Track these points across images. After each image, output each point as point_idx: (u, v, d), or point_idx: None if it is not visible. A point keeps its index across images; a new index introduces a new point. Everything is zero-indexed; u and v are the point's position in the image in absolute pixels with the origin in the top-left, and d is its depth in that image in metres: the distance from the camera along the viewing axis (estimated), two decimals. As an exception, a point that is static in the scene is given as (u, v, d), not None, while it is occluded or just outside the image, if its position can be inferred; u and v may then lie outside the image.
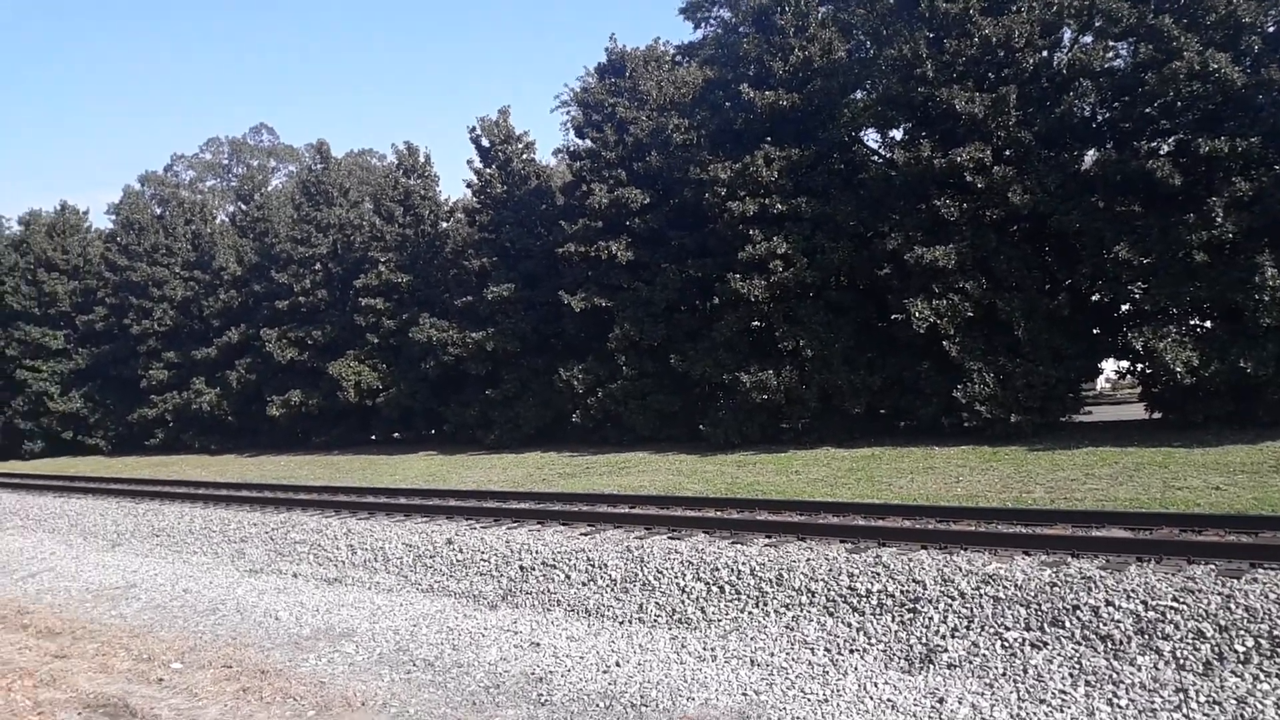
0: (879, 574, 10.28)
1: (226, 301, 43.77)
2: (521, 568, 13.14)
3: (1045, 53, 23.70)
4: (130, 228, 49.21)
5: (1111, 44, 22.92)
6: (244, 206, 46.83)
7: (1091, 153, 23.11)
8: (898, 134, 26.56)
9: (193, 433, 44.64)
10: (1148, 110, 21.44)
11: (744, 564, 11.33)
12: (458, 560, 13.96)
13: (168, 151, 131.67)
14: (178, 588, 14.91)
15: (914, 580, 9.96)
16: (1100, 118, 23.49)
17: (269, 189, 54.55)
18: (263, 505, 19.87)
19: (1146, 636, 8.17)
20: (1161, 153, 21.35)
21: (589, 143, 31.44)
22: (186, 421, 44.71)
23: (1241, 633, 7.92)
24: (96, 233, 55.46)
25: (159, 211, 51.69)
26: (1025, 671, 8.28)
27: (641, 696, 9.05)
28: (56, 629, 12.98)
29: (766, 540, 12.27)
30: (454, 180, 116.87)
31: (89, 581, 15.96)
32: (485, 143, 35.23)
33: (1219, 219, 19.26)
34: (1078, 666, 8.14)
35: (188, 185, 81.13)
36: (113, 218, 53.79)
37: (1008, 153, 22.99)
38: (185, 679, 10.53)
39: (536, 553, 13.34)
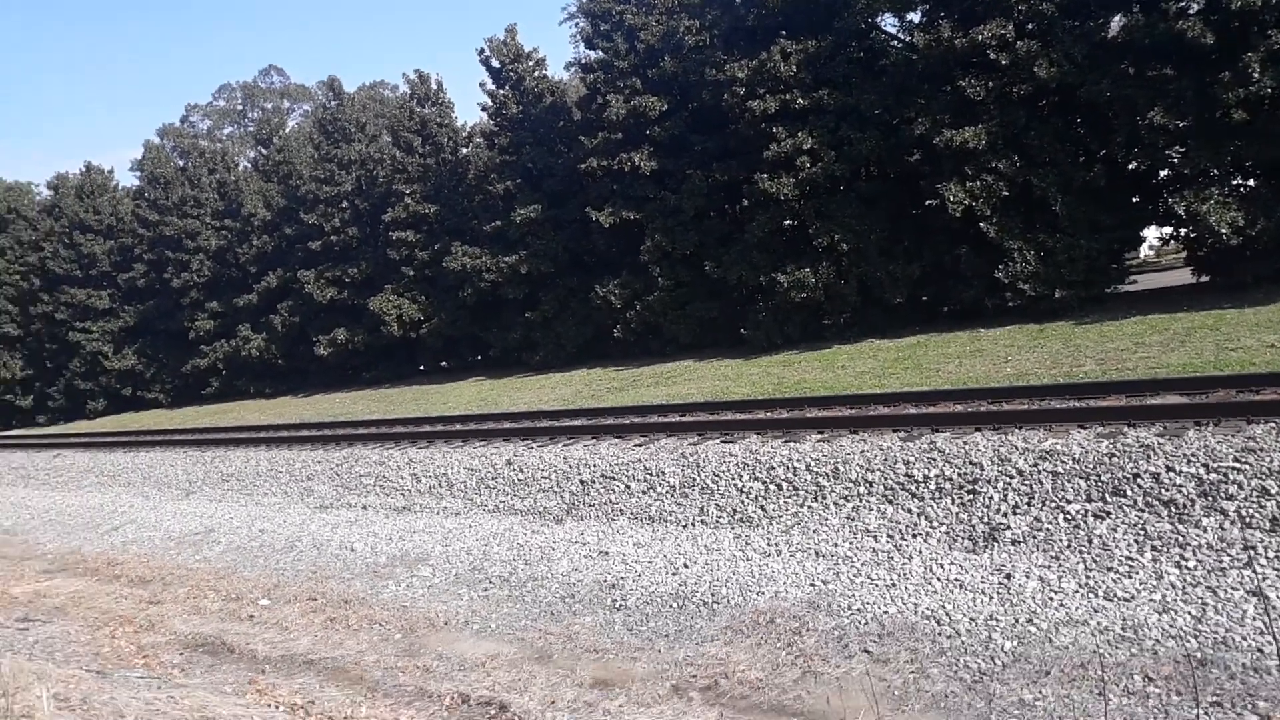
0: (935, 459, 10.42)
1: (260, 247, 44.13)
2: (582, 482, 13.44)
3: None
4: (156, 183, 49.46)
5: (1135, -100, 22.06)
6: (264, 151, 46.91)
7: (1118, 18, 22.40)
8: (916, 16, 25.88)
9: (245, 379, 45.46)
10: (1176, -32, 20.71)
11: (799, 460, 11.52)
12: (519, 480, 14.30)
13: (181, 103, 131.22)
14: (254, 529, 15.44)
15: (970, 462, 10.10)
16: (1127, -20, 22.73)
17: (286, 131, 54.35)
18: (324, 442, 20.30)
19: (1210, 499, 8.27)
20: (1191, 12, 20.63)
21: (600, 53, 30.95)
22: (238, 368, 45.51)
23: (1306, 486, 8.00)
24: (124, 190, 55.77)
25: (182, 164, 51.79)
26: (1090, 542, 8.44)
27: (712, 594, 9.36)
28: (147, 577, 13.56)
29: (819, 436, 12.42)
30: (469, 105, 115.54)
31: (169, 530, 16.56)
32: (495, 63, 34.82)
33: (1256, 75, 18.71)
34: (1143, 533, 8.28)
35: (205, 135, 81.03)
36: (137, 174, 54.01)
37: (1030, 26, 22.37)
38: (274, 614, 11.01)
39: (594, 466, 13.61)
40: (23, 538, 18.51)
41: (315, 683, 8.76)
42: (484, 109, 35.47)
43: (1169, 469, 8.74)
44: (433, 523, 13.83)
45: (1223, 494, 8.25)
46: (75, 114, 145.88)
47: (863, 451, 11.21)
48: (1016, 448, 10.05)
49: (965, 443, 10.61)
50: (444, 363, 40.48)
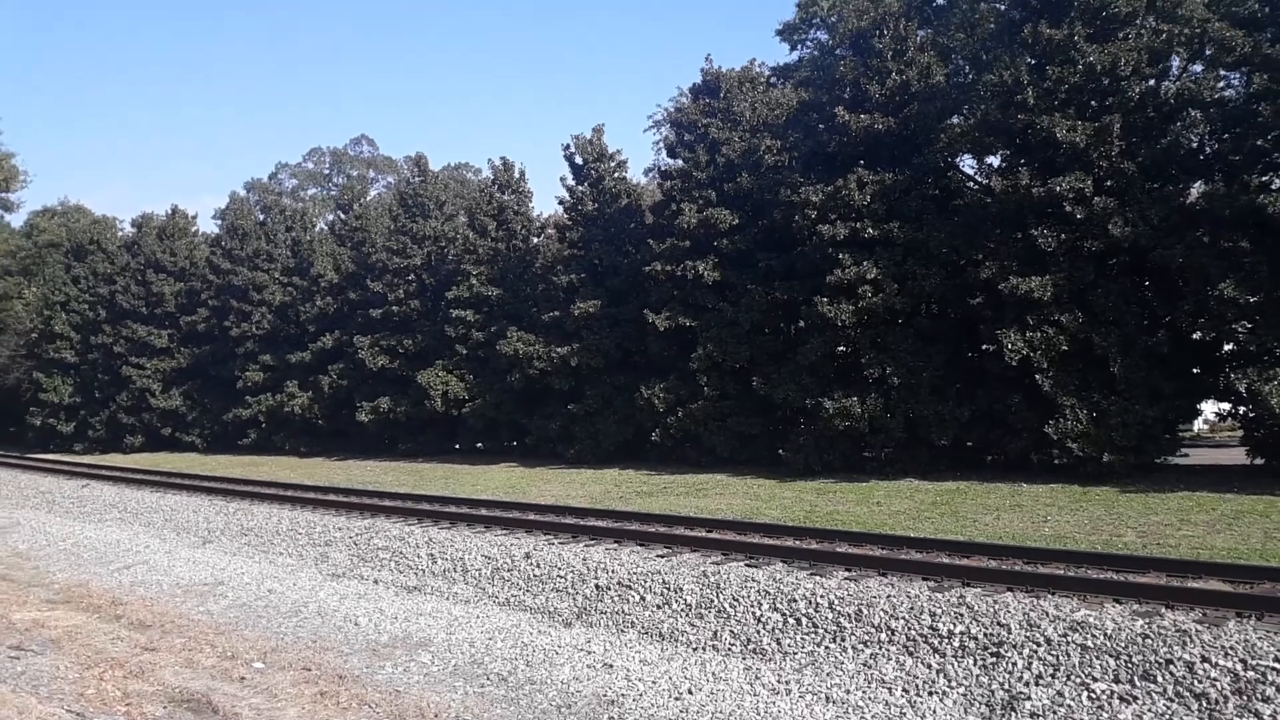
0: (962, 615, 10.02)
1: (322, 308, 44.87)
2: (597, 586, 13.15)
3: (1152, 81, 23.05)
4: (234, 233, 50.91)
5: (1223, 73, 22.22)
6: (343, 215, 48.04)
7: (1198, 185, 22.38)
8: (995, 161, 26.06)
9: (284, 434, 45.80)
10: (1260, 142, 20.70)
11: (822, 596, 11.16)
12: (535, 575, 14.04)
13: (273, 160, 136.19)
14: (263, 587, 15.28)
15: (998, 623, 9.68)
16: (1209, 149, 22.75)
17: (367, 199, 55.81)
18: (348, 510, 20.27)
19: (1245, 697, 7.80)
20: (1273, 187, 20.53)
21: (680, 162, 31.55)
22: (278, 423, 45.91)
23: (1349, 700, 7.51)
24: (203, 237, 57.50)
25: (262, 218, 53.34)
26: (1113, 727, 7.97)
27: (713, 727, 8.96)
28: (147, 621, 13.41)
29: (846, 573, 12.07)
30: (546, 196, 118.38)
31: (180, 577, 16.46)
32: (579, 160, 35.61)
33: (1335, 258, 18.43)
34: (1169, 725, 7.81)
35: (290, 193, 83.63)
36: (218, 223, 55.84)
37: (1109, 183, 22.35)
38: (266, 679, 10.76)
39: (613, 572, 13.33)
40: (34, 563, 18.54)
41: (291, 760, 8.47)
42: (561, 202, 36.19)
43: (1204, 659, 8.28)
44: (441, 607, 13.58)
45: (1259, 695, 7.77)
46: (171, 159, 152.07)
47: (889, 596, 10.84)
48: (1047, 614, 9.63)
49: (995, 601, 10.21)
50: (480, 444, 40.45)
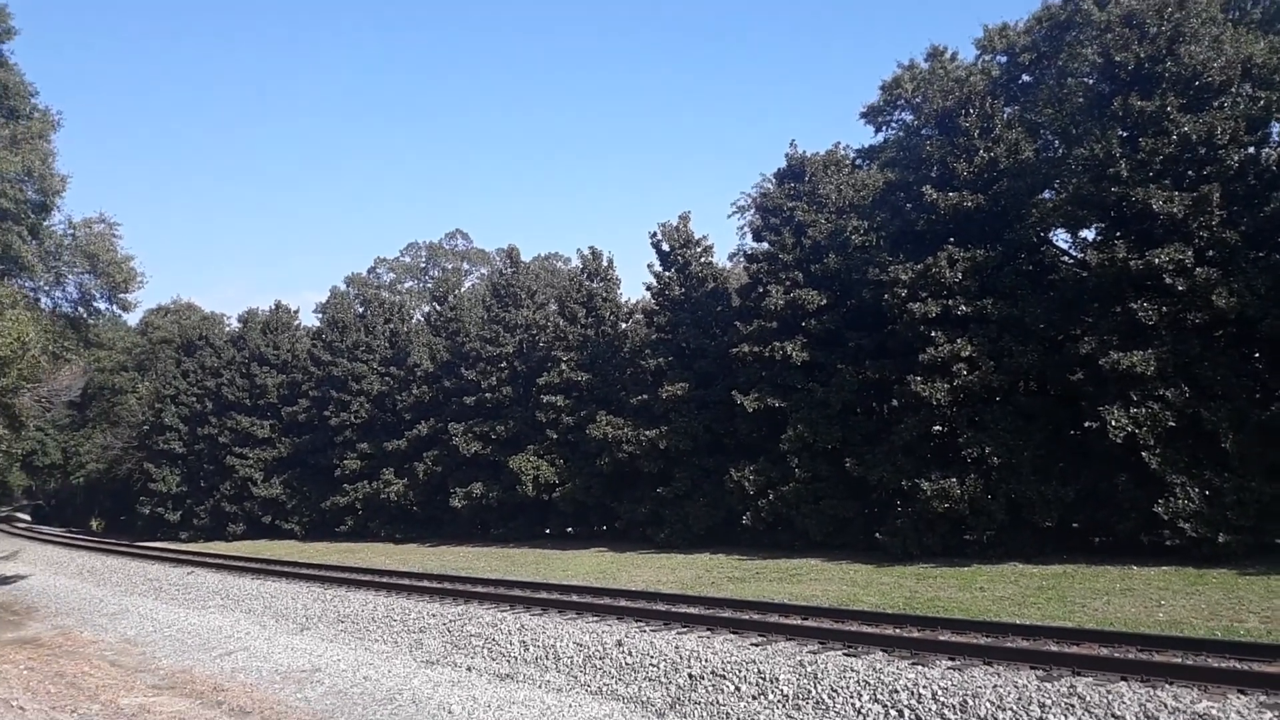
0: (1073, 705, 9.54)
1: (418, 396, 45.84)
2: (690, 676, 12.89)
3: (1251, 149, 22.46)
4: (335, 326, 52.64)
5: (1328, 138, 21.55)
6: (438, 307, 49.36)
7: (1306, 252, 21.57)
8: (1090, 234, 25.58)
9: (380, 521, 46.50)
10: (1371, 207, 19.90)
11: (925, 687, 10.75)
12: (627, 664, 13.84)
13: (372, 255, 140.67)
14: (359, 674, 15.37)
15: (1113, 715, 9.19)
16: (1316, 215, 21.96)
17: (461, 290, 57.32)
18: (441, 596, 20.37)
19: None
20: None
21: (766, 245, 31.73)
22: (375, 510, 46.67)
23: None
24: (304, 330, 59.64)
25: (361, 311, 55.09)
26: (1245, 829, 7.43)
27: (812, 823, 8.62)
28: (247, 708, 13.58)
29: (950, 662, 11.63)
30: (634, 282, 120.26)
31: (278, 663, 16.67)
32: (665, 247, 36.11)
33: None
34: (1308, 828, 7.25)
35: (388, 286, 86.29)
36: (319, 316, 57.94)
37: (1211, 253, 21.69)
38: (361, 768, 10.76)
39: (706, 661, 13.07)
40: (141, 649, 19.01)
41: None
42: (648, 288, 36.62)
43: (1346, 758, 7.70)
44: (533, 696, 13.45)
45: None
46: (276, 257, 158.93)
47: (995, 686, 10.40)
48: (1165, 705, 9.11)
49: (1108, 692, 9.71)
50: (570, 528, 40.46)
